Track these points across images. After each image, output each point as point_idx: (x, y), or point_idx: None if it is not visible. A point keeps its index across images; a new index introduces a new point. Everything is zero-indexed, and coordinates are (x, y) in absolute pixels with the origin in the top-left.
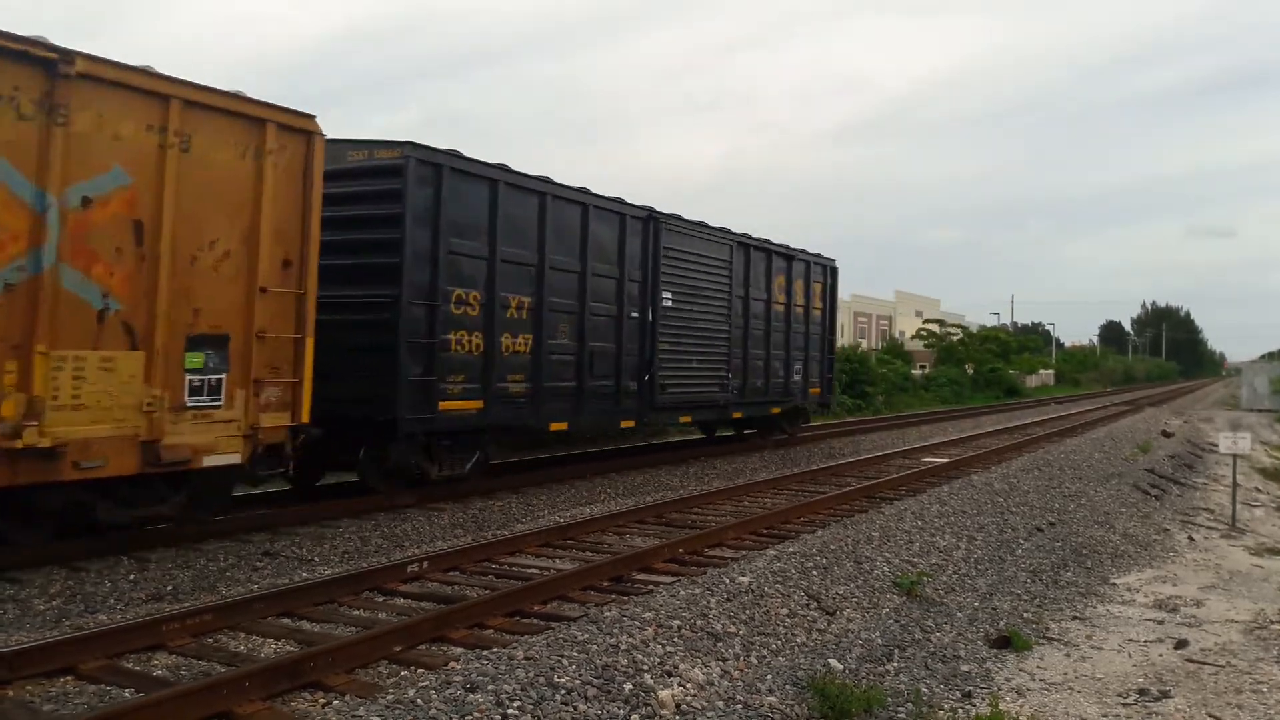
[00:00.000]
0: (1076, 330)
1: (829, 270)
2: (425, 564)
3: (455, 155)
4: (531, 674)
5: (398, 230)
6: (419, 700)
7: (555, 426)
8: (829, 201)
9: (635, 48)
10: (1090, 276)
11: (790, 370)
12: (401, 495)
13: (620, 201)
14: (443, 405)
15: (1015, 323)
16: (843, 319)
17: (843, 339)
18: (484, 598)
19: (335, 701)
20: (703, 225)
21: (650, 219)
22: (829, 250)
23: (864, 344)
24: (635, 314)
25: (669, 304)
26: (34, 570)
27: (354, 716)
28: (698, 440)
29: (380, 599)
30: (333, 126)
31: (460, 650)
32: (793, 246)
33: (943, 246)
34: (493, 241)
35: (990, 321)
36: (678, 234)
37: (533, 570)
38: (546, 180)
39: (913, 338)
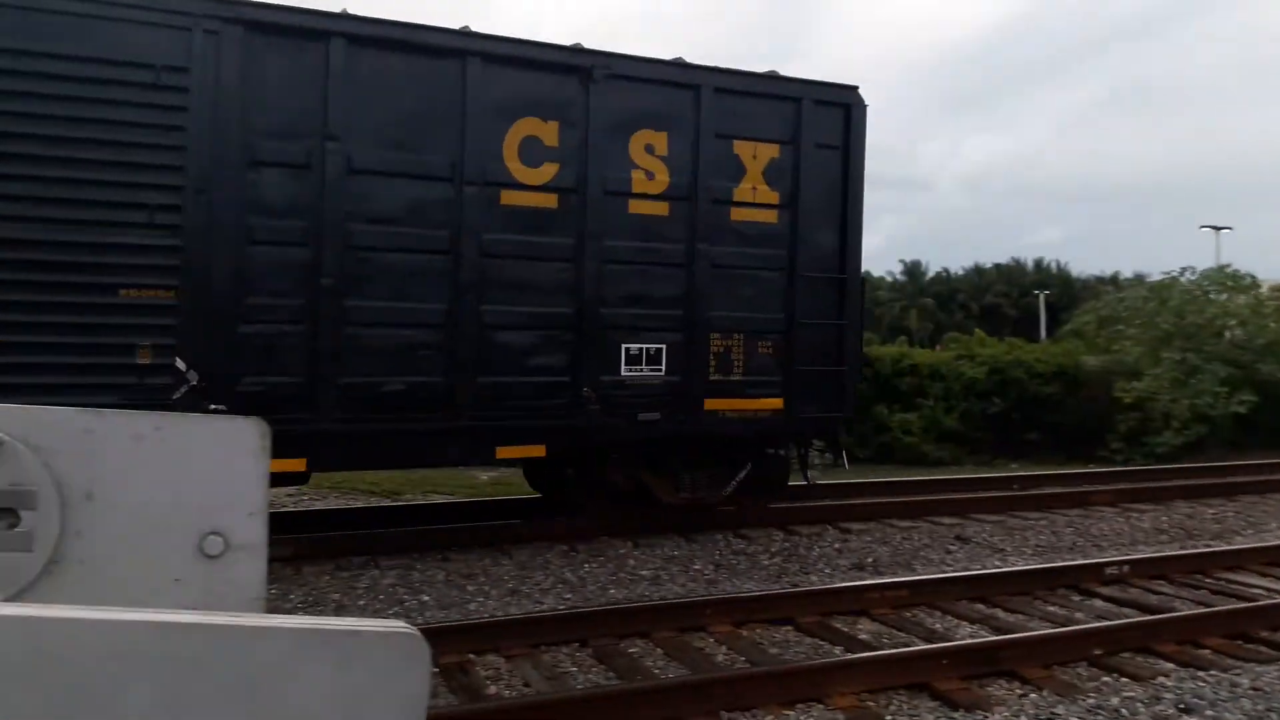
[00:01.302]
0: None
1: (809, 110)
2: (1126, 568)
3: None
4: (1261, 708)
5: None
6: (1123, 710)
7: None
8: None
9: None
10: None
11: (588, 354)
12: None
13: None
14: None
15: None
16: None
17: None
18: (1198, 613)
19: (1032, 694)
20: None
21: None
22: None
23: None
24: None
25: None
26: (759, 529)
27: (1052, 713)
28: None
29: (1076, 598)
30: None
31: (1170, 666)
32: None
33: None
34: None
35: None
36: None
37: (1258, 591)
38: None
39: None
